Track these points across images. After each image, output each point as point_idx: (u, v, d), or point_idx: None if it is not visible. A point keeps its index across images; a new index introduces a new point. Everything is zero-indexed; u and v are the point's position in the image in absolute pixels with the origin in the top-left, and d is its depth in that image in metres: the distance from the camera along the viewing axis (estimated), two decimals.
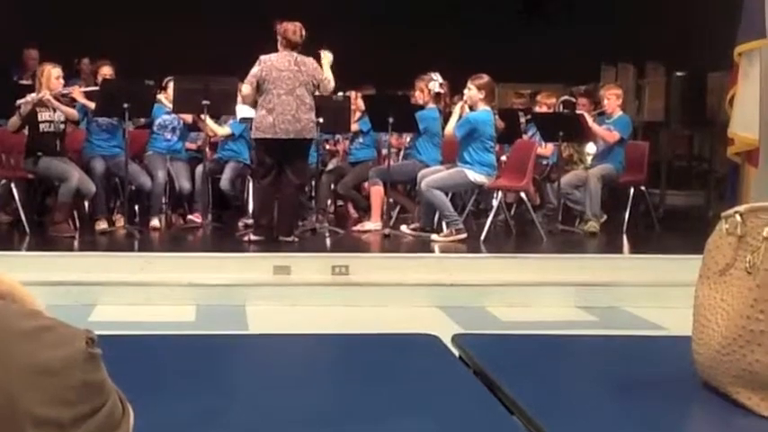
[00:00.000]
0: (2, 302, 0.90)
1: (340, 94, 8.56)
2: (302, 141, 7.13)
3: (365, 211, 8.58)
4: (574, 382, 1.87)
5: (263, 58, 7.10)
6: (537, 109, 9.24)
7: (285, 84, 7.00)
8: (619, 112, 8.51)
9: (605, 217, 8.43)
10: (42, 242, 7.14)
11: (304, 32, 7.12)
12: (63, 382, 0.83)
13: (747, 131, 7.43)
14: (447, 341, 2.10)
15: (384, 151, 8.61)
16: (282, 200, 7.25)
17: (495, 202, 8.18)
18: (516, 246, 7.80)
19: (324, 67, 7.23)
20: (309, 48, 7.25)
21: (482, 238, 7.58)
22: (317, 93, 7.25)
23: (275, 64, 7.04)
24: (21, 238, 7.30)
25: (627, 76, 11.68)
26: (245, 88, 7.19)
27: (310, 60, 7.13)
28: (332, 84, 7.29)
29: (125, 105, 7.35)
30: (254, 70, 7.06)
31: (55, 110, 7.45)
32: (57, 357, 0.84)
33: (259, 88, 7.10)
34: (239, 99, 8.04)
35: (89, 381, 0.86)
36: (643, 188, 8.66)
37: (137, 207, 8.28)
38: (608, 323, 5.93)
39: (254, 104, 7.32)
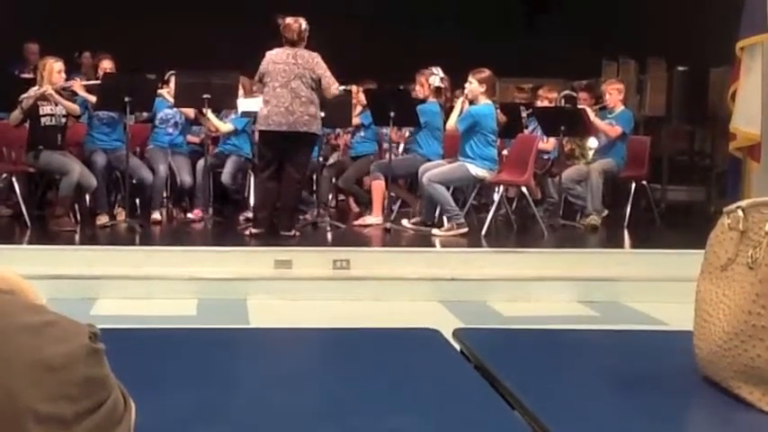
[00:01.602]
0: (6, 297, 0.90)
1: (342, 88, 8.54)
2: (299, 135, 7.09)
3: (366, 206, 8.58)
4: (575, 376, 1.87)
5: (267, 53, 7.13)
6: (538, 103, 9.23)
7: (280, 76, 7.01)
8: (620, 107, 8.51)
9: (606, 212, 8.43)
10: (43, 236, 7.15)
11: (304, 26, 7.11)
12: (66, 378, 0.83)
13: (749, 126, 7.43)
14: (448, 335, 2.10)
15: (385, 145, 8.61)
16: (283, 194, 7.25)
17: (496, 197, 8.19)
18: (517, 240, 7.80)
19: None
20: (309, 42, 7.25)
21: (483, 232, 7.59)
22: (324, 90, 7.18)
23: (273, 58, 7.07)
24: (22, 231, 7.30)
25: (628, 71, 11.66)
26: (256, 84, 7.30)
27: (310, 54, 7.10)
28: (334, 87, 7.21)
29: (126, 99, 7.34)
30: (261, 65, 7.12)
31: (56, 104, 7.45)
32: (60, 353, 0.83)
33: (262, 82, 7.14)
34: (240, 93, 8.05)
35: (92, 376, 0.86)
36: (644, 183, 8.66)
37: (138, 201, 8.28)
38: (609, 318, 5.93)
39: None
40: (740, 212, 1.66)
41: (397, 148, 9.00)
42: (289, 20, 7.14)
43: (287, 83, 7.01)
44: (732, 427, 1.62)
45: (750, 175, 7.61)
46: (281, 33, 7.12)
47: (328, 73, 7.13)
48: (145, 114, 8.26)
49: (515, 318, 5.87)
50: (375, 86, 9.08)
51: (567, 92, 9.80)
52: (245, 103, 8.12)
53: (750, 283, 1.60)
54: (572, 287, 6.54)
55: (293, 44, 7.09)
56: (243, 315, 5.83)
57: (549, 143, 8.74)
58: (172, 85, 8.14)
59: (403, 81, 8.96)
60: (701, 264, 1.74)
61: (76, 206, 7.73)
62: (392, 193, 8.29)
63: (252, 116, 7.92)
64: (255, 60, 7.19)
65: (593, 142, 8.78)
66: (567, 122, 8.19)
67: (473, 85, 7.64)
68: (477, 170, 7.59)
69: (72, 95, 7.73)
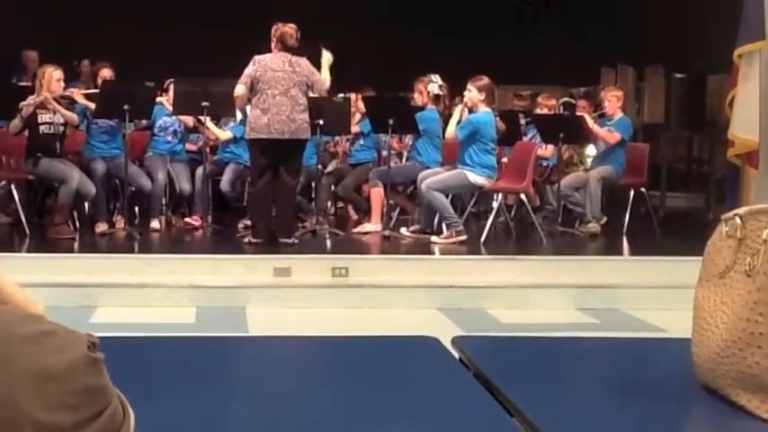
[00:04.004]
0: (4, 307, 0.90)
1: (340, 95, 8.56)
2: (296, 142, 7.13)
3: (365, 213, 8.58)
4: (573, 384, 1.87)
5: (257, 58, 7.10)
6: (537, 111, 9.24)
7: (280, 84, 7.00)
8: (619, 114, 8.52)
9: (605, 219, 8.43)
10: (42, 244, 7.15)
11: (298, 34, 7.14)
12: (65, 387, 0.83)
13: (747, 133, 7.44)
14: (447, 343, 2.10)
15: (384, 153, 8.61)
16: (280, 201, 7.25)
17: (495, 204, 8.19)
18: (516, 248, 7.81)
19: (323, 67, 7.23)
20: (307, 48, 7.25)
21: (482, 239, 7.59)
22: (310, 93, 7.23)
23: (270, 64, 7.05)
24: (21, 239, 7.31)
25: (627, 79, 11.68)
26: (240, 88, 7.08)
27: (304, 61, 7.13)
28: (327, 84, 7.26)
29: (125, 107, 7.35)
30: (249, 70, 7.06)
31: (55, 111, 7.46)
32: (59, 362, 0.84)
33: (252, 88, 7.09)
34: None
35: (91, 385, 0.86)
36: (643, 190, 8.66)
37: (137, 208, 8.28)
38: (608, 325, 5.93)
39: (245, 106, 7.30)
40: (738, 220, 1.66)
41: (399, 156, 9.01)
42: (286, 27, 7.14)
43: (286, 90, 7.02)
44: None
45: (749, 181, 7.61)
46: (277, 39, 7.11)
47: (317, 73, 7.15)
48: (144, 122, 8.27)
49: (514, 325, 5.86)
50: (374, 94, 9.09)
51: (565, 99, 9.81)
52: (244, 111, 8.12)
53: (748, 290, 1.60)
54: (571, 294, 6.54)
55: (290, 51, 7.10)
56: (242, 323, 5.83)
57: (547, 150, 8.75)
58: (171, 92, 8.15)
59: (402, 89, 8.98)
60: (699, 271, 1.74)
61: (75, 214, 7.73)
62: (391, 201, 8.29)
63: None
64: None
65: (591, 149, 8.79)
66: (566, 130, 8.20)
67: (472, 93, 7.65)
68: (475, 177, 7.59)
69: (71, 103, 7.74)
